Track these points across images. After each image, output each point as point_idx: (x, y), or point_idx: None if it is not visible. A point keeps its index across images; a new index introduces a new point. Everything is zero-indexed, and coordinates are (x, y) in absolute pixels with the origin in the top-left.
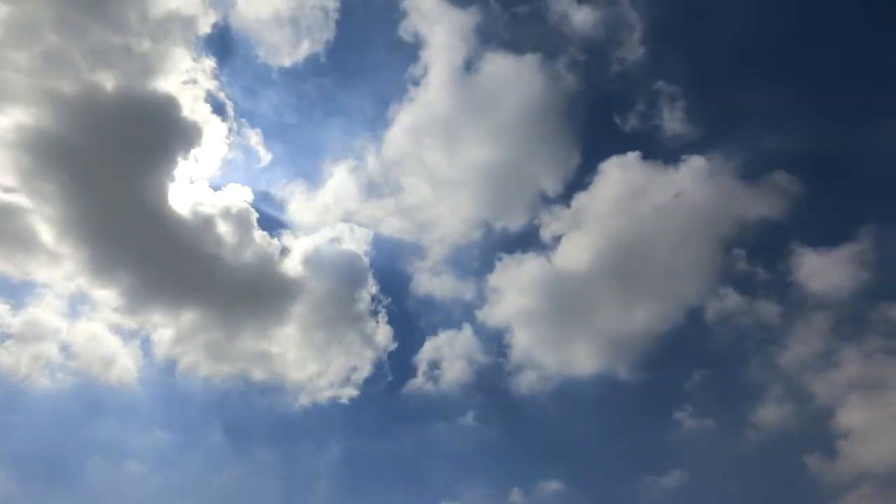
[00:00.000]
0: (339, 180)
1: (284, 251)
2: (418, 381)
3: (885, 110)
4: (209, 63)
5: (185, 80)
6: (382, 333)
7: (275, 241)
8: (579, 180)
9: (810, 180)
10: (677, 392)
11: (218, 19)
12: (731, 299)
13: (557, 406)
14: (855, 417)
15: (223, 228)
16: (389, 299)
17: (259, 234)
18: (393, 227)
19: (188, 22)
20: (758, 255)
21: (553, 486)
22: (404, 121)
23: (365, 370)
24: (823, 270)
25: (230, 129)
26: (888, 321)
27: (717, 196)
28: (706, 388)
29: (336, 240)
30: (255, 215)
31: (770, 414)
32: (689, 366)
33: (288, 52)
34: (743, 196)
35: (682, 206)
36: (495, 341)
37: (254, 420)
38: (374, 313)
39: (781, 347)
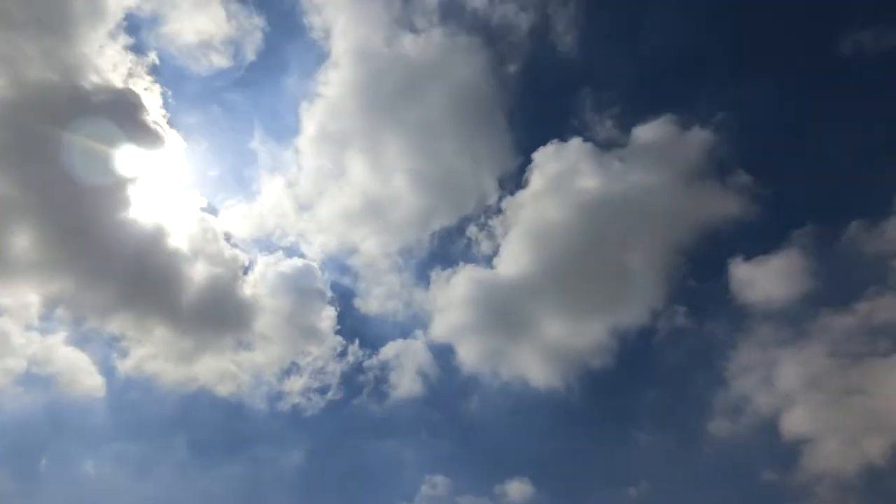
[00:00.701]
0: (271, 194)
1: (245, 267)
2: (366, 396)
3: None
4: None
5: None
6: (335, 347)
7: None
8: (515, 181)
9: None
10: (627, 405)
11: None
12: (677, 309)
13: (506, 420)
14: (803, 424)
15: (182, 242)
16: (338, 315)
17: (218, 248)
18: (328, 242)
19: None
20: (701, 262)
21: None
22: (327, 128)
23: (321, 383)
24: (762, 279)
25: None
26: (829, 327)
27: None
28: (656, 401)
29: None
30: (219, 230)
31: (719, 426)
32: (638, 378)
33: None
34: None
35: (625, 207)
36: (440, 356)
37: (213, 432)
38: (330, 329)
39: (726, 359)
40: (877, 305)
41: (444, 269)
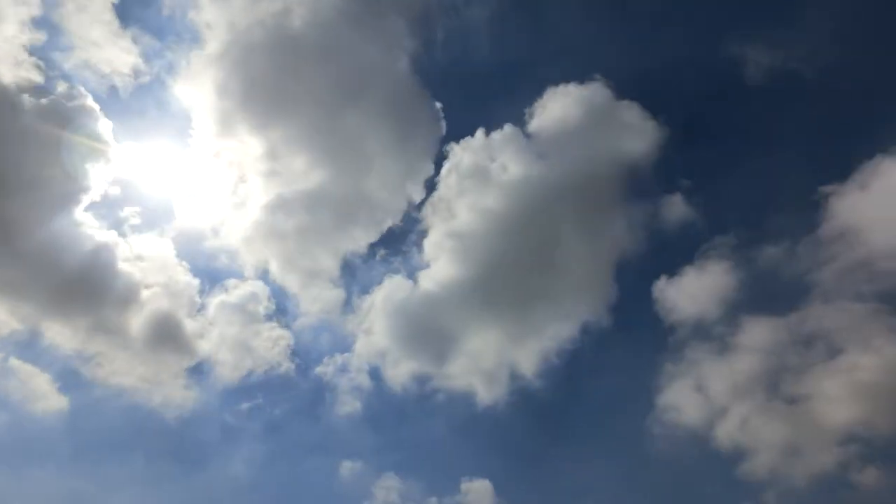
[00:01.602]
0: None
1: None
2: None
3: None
4: None
5: None
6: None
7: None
8: (436, 185)
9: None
10: (558, 418)
11: None
12: (606, 319)
13: (439, 434)
14: (737, 435)
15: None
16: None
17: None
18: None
19: None
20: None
21: None
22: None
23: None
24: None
25: None
26: (757, 338)
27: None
28: (588, 413)
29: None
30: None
31: (653, 438)
32: (569, 390)
33: None
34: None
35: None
36: (372, 372)
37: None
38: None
39: (657, 371)
40: (805, 315)
41: (370, 284)
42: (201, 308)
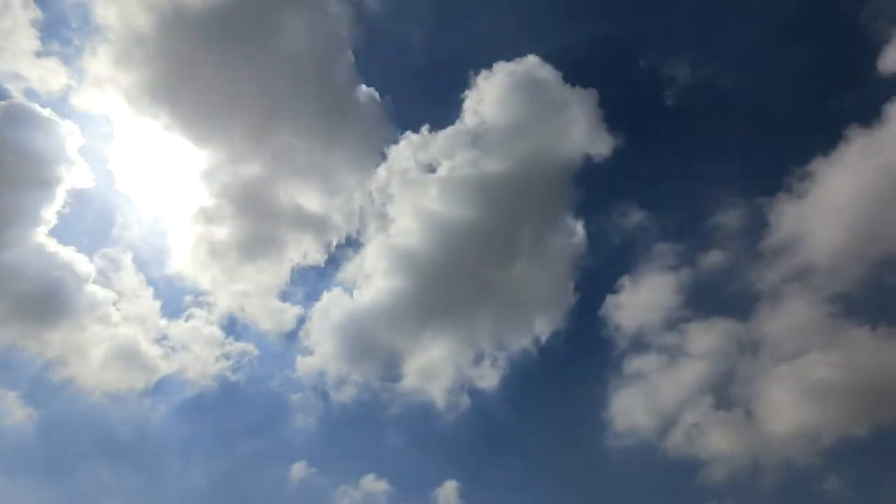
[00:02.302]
0: None
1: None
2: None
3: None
4: None
5: None
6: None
7: None
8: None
9: None
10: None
11: None
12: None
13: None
14: (692, 442)
15: None
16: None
17: None
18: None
19: None
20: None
21: None
22: None
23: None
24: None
25: None
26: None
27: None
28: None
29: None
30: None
31: (609, 447)
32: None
33: None
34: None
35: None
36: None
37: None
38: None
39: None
40: (753, 321)
41: (314, 296)
42: (159, 325)
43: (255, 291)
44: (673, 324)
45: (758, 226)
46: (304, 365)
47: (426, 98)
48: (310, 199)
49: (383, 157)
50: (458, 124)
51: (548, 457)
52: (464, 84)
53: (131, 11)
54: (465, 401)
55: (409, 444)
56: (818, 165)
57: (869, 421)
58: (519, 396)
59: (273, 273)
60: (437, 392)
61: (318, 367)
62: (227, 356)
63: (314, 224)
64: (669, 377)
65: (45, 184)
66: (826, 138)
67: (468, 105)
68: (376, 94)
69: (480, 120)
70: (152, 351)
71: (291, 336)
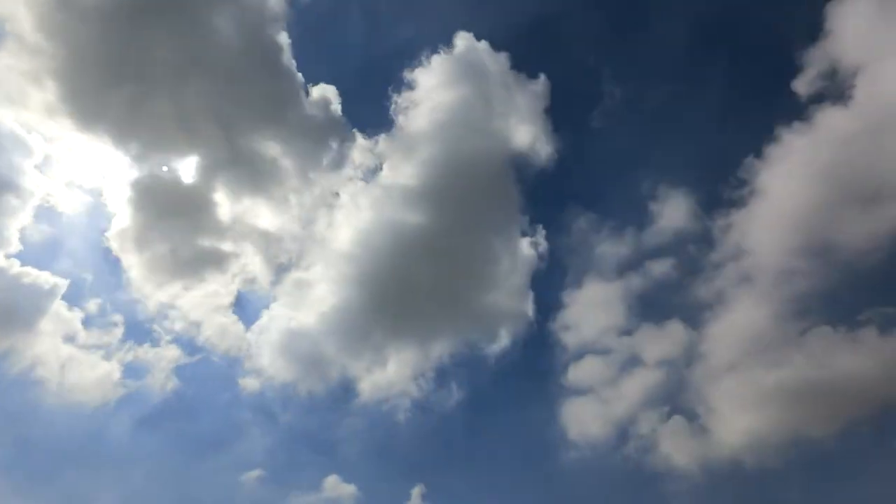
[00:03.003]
0: None
1: None
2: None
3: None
4: None
5: None
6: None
7: None
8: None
9: None
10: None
11: None
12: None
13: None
14: (647, 447)
15: None
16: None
17: None
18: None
19: None
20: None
21: None
22: None
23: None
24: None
25: None
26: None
27: None
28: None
29: None
30: None
31: (565, 456)
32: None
33: None
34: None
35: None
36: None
37: None
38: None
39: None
40: (704, 327)
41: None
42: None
43: (202, 307)
44: (624, 331)
45: (707, 231)
46: (255, 380)
47: (367, 99)
48: (252, 211)
49: (327, 162)
50: (398, 127)
51: (503, 470)
52: (400, 85)
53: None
54: (420, 412)
55: (365, 454)
56: (759, 167)
57: (826, 424)
58: (469, 409)
59: (219, 287)
60: (392, 402)
61: (270, 382)
62: (179, 372)
63: (258, 235)
64: (623, 383)
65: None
66: (759, 141)
67: (409, 107)
68: (322, 95)
69: (421, 122)
70: (107, 368)
71: (243, 350)
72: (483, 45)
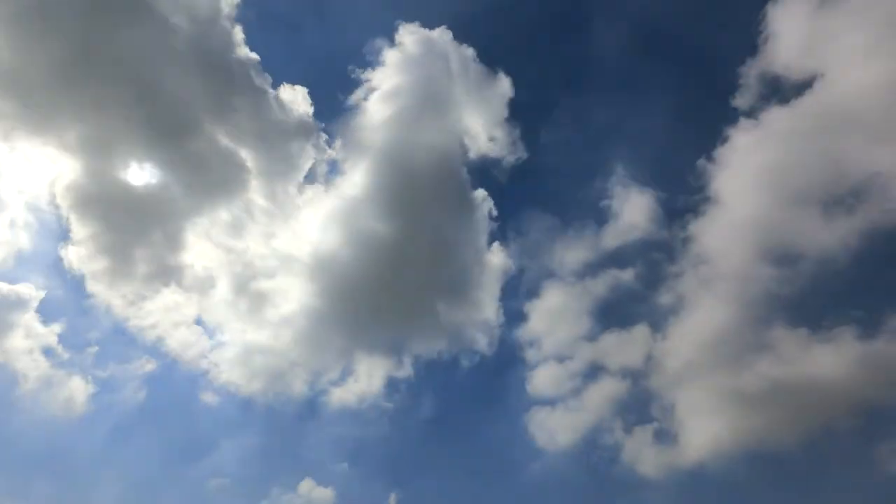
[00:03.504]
0: None
1: None
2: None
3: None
4: None
5: None
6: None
7: None
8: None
9: None
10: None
11: None
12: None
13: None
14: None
15: None
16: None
17: None
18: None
19: None
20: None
21: None
22: None
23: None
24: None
25: None
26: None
27: None
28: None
29: None
30: None
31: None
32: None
33: None
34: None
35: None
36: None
37: None
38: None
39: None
40: (665, 333)
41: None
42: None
43: (168, 317)
44: (588, 337)
45: (670, 236)
46: (217, 395)
47: (331, 104)
48: (213, 216)
49: (287, 168)
50: (358, 133)
51: (474, 478)
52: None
53: None
54: (389, 421)
55: (337, 458)
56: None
57: (790, 431)
58: (438, 419)
59: (181, 298)
60: (362, 411)
61: (240, 389)
62: (147, 380)
63: (219, 245)
64: (585, 391)
65: None
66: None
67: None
68: (289, 97)
69: (379, 122)
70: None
71: (208, 362)
72: (445, 40)
